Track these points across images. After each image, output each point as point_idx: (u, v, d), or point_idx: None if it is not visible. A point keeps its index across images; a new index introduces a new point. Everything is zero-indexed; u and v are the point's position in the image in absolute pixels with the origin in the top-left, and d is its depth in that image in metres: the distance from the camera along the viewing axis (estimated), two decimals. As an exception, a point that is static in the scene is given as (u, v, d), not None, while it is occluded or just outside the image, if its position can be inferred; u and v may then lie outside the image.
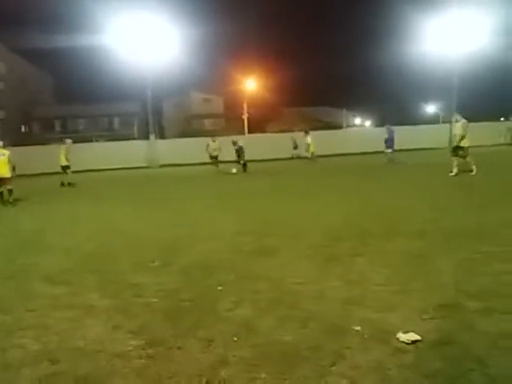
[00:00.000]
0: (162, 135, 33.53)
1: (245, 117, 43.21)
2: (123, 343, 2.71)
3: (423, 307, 3.01)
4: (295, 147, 26.98)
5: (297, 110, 56.38)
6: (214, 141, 18.93)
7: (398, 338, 2.57)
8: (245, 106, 43.53)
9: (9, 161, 11.02)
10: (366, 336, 2.64)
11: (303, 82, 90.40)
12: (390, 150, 18.29)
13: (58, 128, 49.78)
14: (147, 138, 29.63)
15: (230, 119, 51.09)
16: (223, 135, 27.83)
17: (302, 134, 22.48)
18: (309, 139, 21.04)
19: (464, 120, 11.63)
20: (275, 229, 5.99)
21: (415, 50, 32.02)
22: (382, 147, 19.30)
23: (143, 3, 31.15)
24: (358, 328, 2.75)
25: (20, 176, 23.40)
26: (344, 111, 62.94)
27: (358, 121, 72.28)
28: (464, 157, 11.55)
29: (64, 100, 54.72)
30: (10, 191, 11.02)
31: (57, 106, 51.41)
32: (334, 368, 2.30)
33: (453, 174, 11.33)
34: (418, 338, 2.55)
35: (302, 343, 2.59)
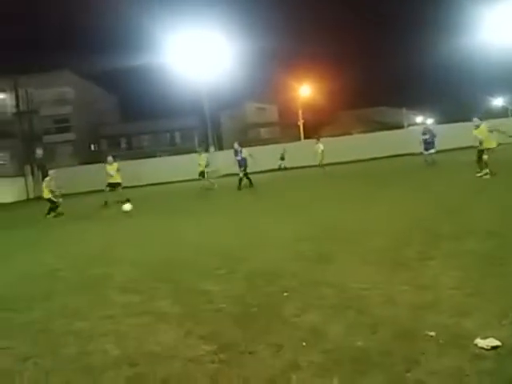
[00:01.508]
0: (220, 146, 34.34)
1: (300, 123, 43.14)
2: (196, 348, 2.80)
3: (501, 311, 2.83)
4: (282, 158, 26.89)
5: (353, 112, 55.38)
6: (200, 154, 18.50)
7: (476, 344, 2.44)
8: (299, 113, 43.48)
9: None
10: (441, 341, 2.53)
11: (359, 84, 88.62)
12: (431, 151, 16.97)
13: (123, 145, 52.59)
14: (207, 150, 30.50)
15: (285, 126, 51.24)
16: (279, 143, 28.03)
17: (314, 141, 21.02)
18: (321, 147, 19.66)
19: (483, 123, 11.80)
20: (336, 234, 5.92)
21: (476, 41, 30.43)
22: (445, 145, 18.43)
23: (198, 20, 32.24)
24: (433, 333, 2.64)
25: (90, 192, 25.14)
26: (404, 110, 60.84)
27: (419, 119, 69.50)
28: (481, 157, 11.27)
29: (128, 118, 57.72)
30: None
31: (122, 124, 54.38)
32: (409, 374, 2.23)
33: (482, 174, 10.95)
34: (498, 343, 2.40)
35: (373, 349, 2.54)
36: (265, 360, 2.54)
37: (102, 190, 25.35)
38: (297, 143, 31.46)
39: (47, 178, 12.61)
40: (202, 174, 18.30)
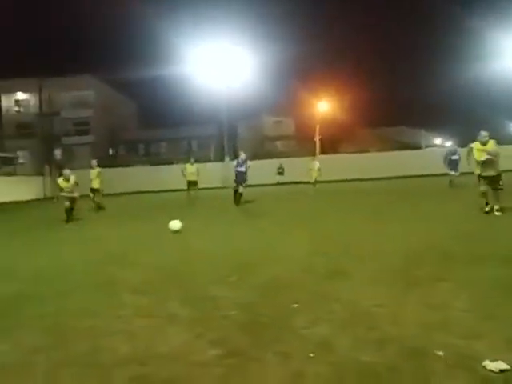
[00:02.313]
0: (236, 157, 34.67)
1: (317, 138, 43.21)
2: (203, 352, 2.84)
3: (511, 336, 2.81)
4: (280, 173, 26.56)
5: (372, 130, 55.25)
6: (192, 164, 17.33)
7: (484, 366, 2.43)
8: (317, 128, 43.58)
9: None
10: (449, 362, 2.53)
11: (378, 103, 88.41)
12: (454, 173, 16.40)
13: (141, 151, 53.30)
14: (223, 159, 30.73)
15: (301, 140, 51.32)
16: (294, 156, 28.03)
17: (310, 158, 21.10)
18: (316, 164, 19.66)
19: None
20: (349, 249, 5.91)
21: (499, 67, 30.29)
22: (463, 169, 18.16)
23: (219, 31, 32.79)
24: (441, 353, 2.63)
25: (107, 195, 25.49)
26: (422, 131, 60.48)
27: (438, 141, 68.96)
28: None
29: (147, 125, 58.59)
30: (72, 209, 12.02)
31: (140, 131, 55.19)
32: (415, 392, 2.23)
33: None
34: (507, 367, 2.39)
35: (380, 364, 2.54)
36: (271, 368, 2.56)
37: (121, 194, 25.59)
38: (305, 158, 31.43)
39: (66, 175, 12.12)
40: (193, 183, 17.21)
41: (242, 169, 14.61)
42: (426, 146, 53.84)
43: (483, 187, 8.69)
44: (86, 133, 47.82)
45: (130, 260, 6.16)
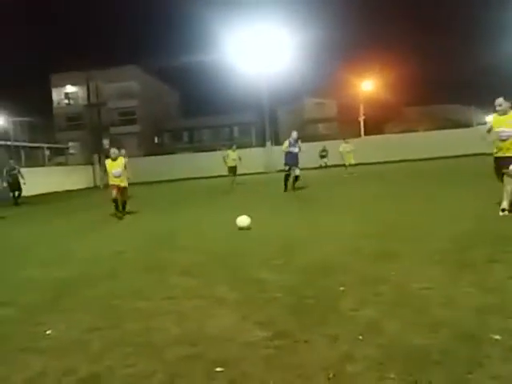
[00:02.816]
0: (277, 142, 34.47)
1: (361, 119, 42.12)
2: (251, 333, 2.88)
3: None
4: (323, 156, 25.51)
5: (420, 108, 53.09)
6: (234, 150, 17.85)
7: (545, 351, 2.31)
8: (361, 108, 42.44)
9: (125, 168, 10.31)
10: (506, 346, 2.41)
11: (426, 79, 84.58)
12: None
13: (185, 139, 54.25)
14: (264, 145, 30.69)
15: (344, 122, 50.23)
16: (337, 139, 27.47)
17: (342, 141, 20.31)
18: (348, 147, 19.08)
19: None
20: (397, 232, 5.76)
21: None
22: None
23: (257, 15, 32.38)
24: (498, 337, 2.52)
25: (153, 182, 26.21)
26: (472, 108, 57.48)
27: (489, 118, 65.37)
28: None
29: (190, 113, 59.48)
30: (124, 203, 10.49)
31: (183, 119, 56.10)
32: (470, 376, 2.16)
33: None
34: None
35: (432, 348, 2.47)
36: (320, 350, 2.56)
37: (167, 181, 26.23)
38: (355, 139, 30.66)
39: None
40: (233, 169, 17.87)
41: (295, 149, 13.05)
42: (478, 124, 51.18)
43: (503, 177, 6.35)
44: (131, 122, 49.14)
45: (178, 244, 6.32)
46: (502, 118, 6.33)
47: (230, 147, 18.95)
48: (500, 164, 6.38)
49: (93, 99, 45.52)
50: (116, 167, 10.24)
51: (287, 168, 13.30)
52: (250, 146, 39.65)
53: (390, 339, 2.63)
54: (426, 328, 2.74)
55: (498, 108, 6.34)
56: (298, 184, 13.56)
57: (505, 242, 4.71)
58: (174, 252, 5.73)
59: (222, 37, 29.90)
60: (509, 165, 6.14)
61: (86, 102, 44.91)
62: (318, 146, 26.99)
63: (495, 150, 6.52)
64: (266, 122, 31.53)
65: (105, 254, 6.00)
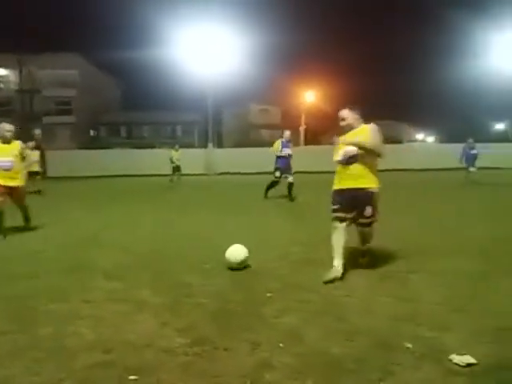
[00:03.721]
0: (220, 144, 34.40)
1: (302, 128, 43.18)
2: (171, 340, 2.78)
3: (481, 329, 2.83)
4: None
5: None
6: (177, 150, 19.13)
7: (451, 360, 2.44)
8: (302, 118, 43.52)
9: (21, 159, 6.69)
10: (417, 354, 2.53)
11: (364, 95, 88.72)
12: (473, 169, 15.57)
13: (123, 134, 52.45)
14: (206, 146, 30.47)
15: (287, 129, 51.27)
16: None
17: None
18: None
19: None
20: (326, 240, 5.90)
21: (485, 64, 30.68)
22: (442, 164, 18.20)
23: (207, 16, 32.25)
24: (409, 345, 2.63)
25: (86, 177, 25.05)
26: (406, 125, 61.07)
27: (420, 136, 69.79)
28: None
29: (131, 107, 57.61)
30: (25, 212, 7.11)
31: (123, 113, 54.19)
32: (381, 383, 2.22)
33: None
34: (474, 361, 2.40)
35: (348, 356, 2.52)
36: (239, 357, 2.53)
37: (101, 176, 25.23)
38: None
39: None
40: (177, 168, 19.08)
41: (288, 151, 11.31)
42: (408, 141, 54.46)
43: None
44: (67, 113, 46.75)
45: (105, 244, 6.04)
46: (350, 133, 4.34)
47: (173, 147, 19.65)
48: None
49: (26, 85, 42.77)
50: (4, 155, 6.39)
51: (278, 174, 11.24)
52: (192, 146, 39.22)
53: (310, 347, 2.66)
54: (344, 336, 2.80)
55: (341, 123, 4.40)
56: (232, 188, 13.44)
57: (423, 253, 4.99)
58: (99, 252, 5.46)
59: (171, 33, 29.49)
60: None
61: (17, 87, 42.11)
62: (263, 151, 27.31)
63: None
64: (210, 123, 31.26)
65: (22, 252, 5.58)
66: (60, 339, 2.86)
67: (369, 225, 4.35)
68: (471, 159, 15.70)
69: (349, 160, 4.20)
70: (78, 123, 46.76)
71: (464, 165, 15.84)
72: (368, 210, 4.19)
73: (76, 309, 3.43)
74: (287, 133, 11.68)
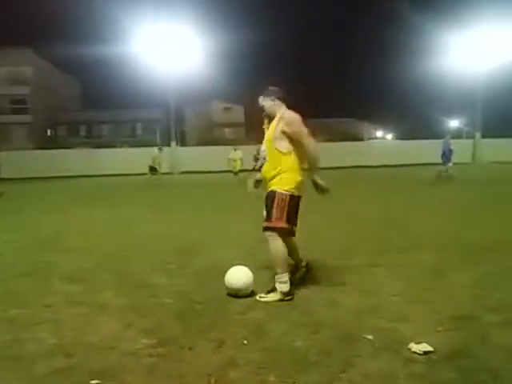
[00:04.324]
0: (183, 143, 34.00)
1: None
2: (135, 341, 2.75)
3: (438, 319, 2.96)
4: (257, 159, 25.87)
5: (318, 121, 56.35)
6: (162, 150, 18.70)
7: (409, 349, 2.53)
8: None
9: None
10: (377, 345, 2.61)
11: (326, 94, 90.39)
12: (450, 164, 15.90)
13: (82, 133, 50.94)
14: (169, 144, 30.07)
15: (251, 128, 51.35)
16: (243, 144, 27.92)
17: (232, 148, 19.98)
18: (238, 154, 18.92)
19: None
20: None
21: (440, 64, 31.90)
22: (400, 160, 18.78)
23: (168, 13, 31.76)
24: (370, 337, 2.72)
25: (44, 178, 24.16)
26: (366, 123, 62.58)
27: (379, 134, 71.74)
28: None
29: (90, 106, 56.02)
30: None
31: (82, 112, 52.63)
32: (343, 375, 2.28)
33: None
34: (431, 349, 2.50)
35: (312, 349, 2.58)
36: (204, 356, 2.53)
37: (60, 177, 24.38)
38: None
39: None
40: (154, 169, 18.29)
41: None
42: (368, 139, 55.90)
43: None
44: (22, 112, 44.89)
45: (65, 246, 5.86)
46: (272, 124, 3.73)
47: (159, 147, 19.36)
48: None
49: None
50: None
51: None
52: (154, 144, 38.58)
53: (274, 342, 2.69)
54: (308, 329, 2.86)
55: (263, 113, 3.88)
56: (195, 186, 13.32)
57: (384, 247, 5.16)
58: (58, 255, 5.29)
59: (131, 29, 28.68)
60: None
61: (-33, 84, 40.08)
62: (226, 149, 27.24)
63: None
64: (172, 121, 30.86)
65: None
66: (19, 346, 2.76)
67: (264, 229, 3.57)
68: (449, 155, 15.99)
69: (264, 160, 3.63)
70: (34, 122, 45.02)
71: (442, 160, 16.04)
72: (264, 213, 3.55)
73: (35, 314, 3.31)
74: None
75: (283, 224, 3.45)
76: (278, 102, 3.69)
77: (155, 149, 19.04)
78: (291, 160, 3.49)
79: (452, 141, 16.30)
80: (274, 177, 3.51)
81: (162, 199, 12.32)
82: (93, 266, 4.69)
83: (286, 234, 3.53)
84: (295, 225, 3.61)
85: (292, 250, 3.71)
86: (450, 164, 15.93)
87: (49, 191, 16.88)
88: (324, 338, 2.74)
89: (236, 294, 3.52)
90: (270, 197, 3.50)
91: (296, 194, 3.50)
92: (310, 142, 3.49)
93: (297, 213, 3.60)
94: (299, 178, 3.51)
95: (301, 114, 3.61)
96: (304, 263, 3.88)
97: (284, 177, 3.47)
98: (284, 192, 3.45)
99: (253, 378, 2.27)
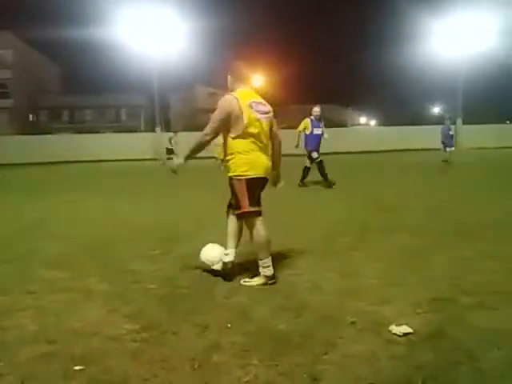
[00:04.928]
0: (168, 128, 33.63)
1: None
2: (118, 327, 2.75)
3: (417, 301, 3.03)
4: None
5: (302, 107, 56.21)
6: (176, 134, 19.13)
7: (390, 331, 2.59)
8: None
9: None
10: (359, 327, 2.66)
11: (310, 80, 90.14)
12: (451, 149, 15.79)
13: (65, 118, 49.99)
14: (153, 130, 29.73)
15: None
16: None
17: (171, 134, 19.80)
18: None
19: None
20: (274, 223, 6.01)
21: (422, 50, 31.99)
22: (383, 146, 18.79)
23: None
24: (353, 319, 2.77)
25: (26, 164, 23.70)
26: (350, 110, 62.71)
27: (363, 120, 72.06)
28: None
29: (72, 90, 54.85)
30: None
31: (65, 96, 51.53)
32: (325, 357, 2.32)
33: None
34: (410, 330, 2.56)
35: (295, 332, 2.61)
36: (187, 340, 2.54)
37: (42, 163, 23.98)
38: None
39: None
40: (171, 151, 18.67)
41: (319, 131, 10.14)
42: (352, 125, 56.11)
43: None
44: (3, 96, 43.78)
45: (48, 232, 5.81)
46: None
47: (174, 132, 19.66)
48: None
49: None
50: None
51: (315, 155, 10.07)
52: (138, 130, 38.13)
53: (258, 325, 2.72)
54: (291, 313, 2.89)
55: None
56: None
57: (365, 233, 5.23)
58: (41, 241, 5.23)
59: (114, 11, 27.91)
60: None
61: None
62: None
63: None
64: (157, 107, 30.46)
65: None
66: (1, 333, 2.74)
67: (237, 218, 3.62)
68: (449, 139, 16.01)
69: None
70: (15, 107, 44.01)
71: (442, 146, 16.05)
72: (232, 200, 3.58)
73: (17, 301, 3.29)
74: (317, 109, 10.22)
75: (249, 208, 3.42)
76: (231, 80, 3.55)
77: (171, 133, 19.81)
78: (241, 143, 3.40)
79: (434, 127, 16.28)
80: (228, 162, 3.50)
81: (145, 185, 12.22)
82: (76, 253, 4.65)
83: (257, 216, 3.49)
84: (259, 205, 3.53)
85: (237, 232, 3.70)
86: (452, 148, 15.89)
87: (31, 177, 16.59)
88: (306, 321, 2.78)
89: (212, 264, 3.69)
90: (230, 185, 3.51)
91: (252, 175, 3.40)
92: (207, 132, 3.46)
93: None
94: (254, 159, 3.42)
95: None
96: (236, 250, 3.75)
97: (235, 161, 3.43)
98: (238, 177, 3.42)
99: (236, 361, 2.29)
